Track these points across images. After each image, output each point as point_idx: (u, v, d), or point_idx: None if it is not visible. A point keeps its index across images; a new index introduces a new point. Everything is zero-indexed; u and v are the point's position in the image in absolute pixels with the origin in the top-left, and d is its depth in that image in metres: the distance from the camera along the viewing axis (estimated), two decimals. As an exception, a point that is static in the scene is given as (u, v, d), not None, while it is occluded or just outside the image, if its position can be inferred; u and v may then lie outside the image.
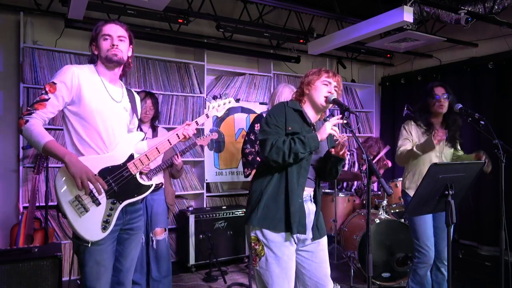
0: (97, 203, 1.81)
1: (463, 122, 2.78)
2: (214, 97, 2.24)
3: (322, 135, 1.92)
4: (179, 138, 2.06)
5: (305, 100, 2.10)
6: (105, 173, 1.84)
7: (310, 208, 2.07)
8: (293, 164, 1.94)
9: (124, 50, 1.93)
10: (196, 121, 2.12)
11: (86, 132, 1.84)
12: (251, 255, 2.01)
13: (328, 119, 2.08)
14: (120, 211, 1.89)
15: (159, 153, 1.99)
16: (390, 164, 4.18)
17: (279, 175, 1.97)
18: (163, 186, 3.22)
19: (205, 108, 3.94)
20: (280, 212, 1.94)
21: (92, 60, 1.96)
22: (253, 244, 1.99)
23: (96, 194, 1.80)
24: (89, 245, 1.79)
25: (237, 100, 4.79)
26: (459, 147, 2.91)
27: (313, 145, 1.89)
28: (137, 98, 2.11)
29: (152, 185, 2.01)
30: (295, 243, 2.00)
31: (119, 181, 1.88)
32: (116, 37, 1.91)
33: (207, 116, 2.17)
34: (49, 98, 1.78)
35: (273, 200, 1.96)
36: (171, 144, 2.03)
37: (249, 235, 2.01)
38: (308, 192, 2.07)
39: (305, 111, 2.09)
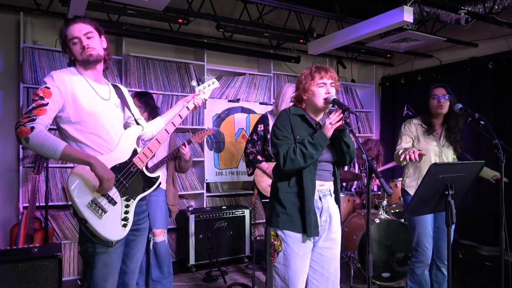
0: (113, 202, 1.80)
1: (463, 122, 2.78)
2: (198, 81, 2.28)
3: (327, 132, 1.96)
4: (174, 126, 2.10)
5: (305, 105, 2.13)
6: (115, 171, 1.82)
7: (329, 202, 2.11)
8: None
9: (97, 45, 1.86)
10: (187, 107, 2.17)
11: (85, 136, 1.80)
12: (270, 252, 2.08)
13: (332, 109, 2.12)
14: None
15: (160, 143, 2.02)
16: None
17: (295, 180, 2.04)
18: (161, 186, 3.16)
19: (204, 108, 3.95)
20: (299, 216, 2.01)
21: (72, 62, 1.90)
22: (272, 240, 2.06)
23: (111, 194, 1.80)
24: (113, 245, 1.78)
25: (237, 100, 4.84)
26: (459, 150, 2.90)
27: (323, 142, 1.96)
28: (124, 90, 2.09)
29: (159, 176, 2.03)
30: (313, 240, 2.07)
31: (129, 178, 1.88)
32: (84, 37, 1.83)
33: None
34: (48, 103, 1.68)
35: (293, 205, 2.03)
36: (168, 133, 2.06)
37: (269, 232, 2.09)
38: (328, 186, 2.12)
39: (308, 114, 2.12)
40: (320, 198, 2.08)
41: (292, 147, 1.98)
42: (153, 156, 3.07)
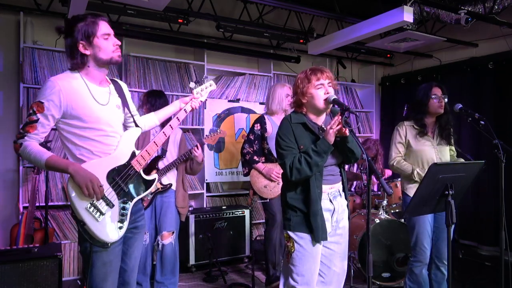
0: (111, 205, 1.81)
1: (463, 122, 2.79)
2: (196, 82, 2.29)
3: (329, 138, 1.98)
4: (172, 128, 2.10)
5: (306, 108, 2.15)
6: (113, 174, 1.84)
7: (340, 203, 2.15)
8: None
9: None
10: (185, 109, 2.18)
11: (85, 142, 1.81)
12: (285, 254, 2.14)
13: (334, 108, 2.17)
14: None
15: (157, 146, 2.03)
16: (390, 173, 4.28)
17: (301, 187, 2.08)
18: (172, 187, 3.13)
19: (204, 108, 3.94)
20: (308, 220, 2.04)
21: (77, 64, 1.80)
22: (286, 242, 2.12)
23: (109, 196, 1.80)
24: (109, 246, 1.79)
25: (237, 100, 4.84)
26: (453, 144, 2.90)
27: (326, 149, 1.99)
28: (124, 87, 2.05)
29: (155, 178, 2.04)
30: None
31: (127, 180, 1.89)
32: (113, 35, 1.84)
33: None
34: (38, 119, 1.73)
35: (301, 211, 2.07)
36: (166, 136, 2.07)
37: (284, 234, 2.15)
38: (337, 188, 2.16)
39: (309, 118, 2.15)
40: (331, 201, 2.12)
41: (297, 157, 2.01)
42: (164, 156, 3.08)
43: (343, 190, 2.21)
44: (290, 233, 2.08)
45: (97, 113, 1.82)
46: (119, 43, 1.85)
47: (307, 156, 1.98)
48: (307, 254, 2.04)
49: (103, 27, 1.80)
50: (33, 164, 1.76)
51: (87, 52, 1.79)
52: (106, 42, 1.80)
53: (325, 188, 2.09)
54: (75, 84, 1.79)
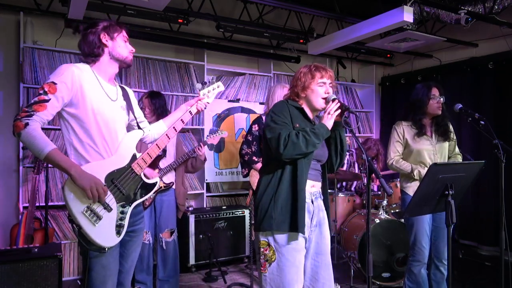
0: (109, 209, 1.77)
1: (463, 122, 2.80)
2: (203, 83, 2.28)
3: (328, 122, 1.93)
4: (176, 131, 2.09)
5: (302, 102, 2.08)
6: (112, 177, 1.80)
7: (320, 206, 2.07)
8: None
9: None
10: (190, 111, 2.17)
11: (88, 134, 1.78)
12: (259, 260, 1.97)
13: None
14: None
15: (160, 149, 2.00)
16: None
17: (288, 176, 1.94)
18: (174, 186, 3.18)
19: (204, 107, 3.89)
20: (291, 210, 1.90)
21: (97, 54, 1.84)
22: (262, 249, 1.94)
23: (107, 200, 1.77)
24: (106, 250, 1.76)
25: (237, 100, 4.84)
26: (453, 138, 2.89)
27: (325, 133, 1.91)
28: (130, 93, 2.07)
29: (156, 182, 2.01)
30: (305, 244, 1.99)
31: (126, 184, 1.85)
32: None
33: None
34: (50, 99, 1.66)
35: (286, 202, 1.92)
36: (169, 139, 2.05)
37: (258, 240, 1.97)
38: (317, 188, 2.07)
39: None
40: (312, 202, 2.02)
41: (294, 132, 1.88)
42: (165, 156, 3.10)
43: (323, 193, 2.11)
44: (270, 240, 1.91)
45: (104, 105, 1.81)
46: (134, 50, 1.96)
47: (305, 133, 1.87)
48: (289, 263, 1.90)
49: (125, 32, 1.94)
50: (29, 149, 1.66)
51: (107, 43, 1.86)
52: (125, 43, 1.92)
53: (307, 184, 1.97)
54: (86, 74, 1.80)
